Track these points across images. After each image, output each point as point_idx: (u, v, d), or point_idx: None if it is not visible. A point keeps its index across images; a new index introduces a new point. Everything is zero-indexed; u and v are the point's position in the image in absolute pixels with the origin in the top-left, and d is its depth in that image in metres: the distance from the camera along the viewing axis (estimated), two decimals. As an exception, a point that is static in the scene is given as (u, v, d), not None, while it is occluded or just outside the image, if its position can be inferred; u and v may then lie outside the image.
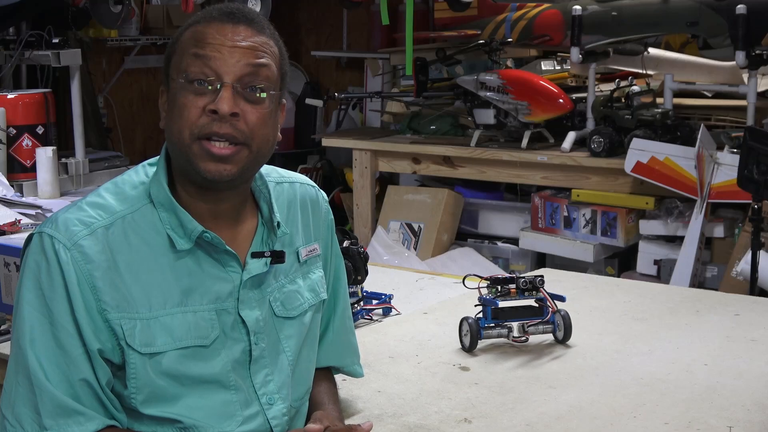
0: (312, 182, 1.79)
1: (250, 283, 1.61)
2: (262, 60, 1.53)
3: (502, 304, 2.24)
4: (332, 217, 1.82)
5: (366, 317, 2.52)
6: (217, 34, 1.53)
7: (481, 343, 2.25)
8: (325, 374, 1.84)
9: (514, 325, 2.26)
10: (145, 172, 1.61)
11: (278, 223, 1.65)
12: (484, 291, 2.27)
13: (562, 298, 2.28)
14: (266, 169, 1.70)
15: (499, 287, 2.25)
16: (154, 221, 1.55)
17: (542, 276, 2.28)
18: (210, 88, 1.51)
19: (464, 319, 2.25)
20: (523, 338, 2.26)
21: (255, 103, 1.53)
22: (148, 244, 1.54)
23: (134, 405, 1.53)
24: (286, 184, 1.73)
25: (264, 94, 1.54)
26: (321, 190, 1.80)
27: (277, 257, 1.63)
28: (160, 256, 1.54)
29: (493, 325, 2.24)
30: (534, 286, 2.26)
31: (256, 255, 1.61)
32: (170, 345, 1.53)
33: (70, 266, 1.49)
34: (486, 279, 2.28)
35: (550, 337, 2.29)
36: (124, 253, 1.52)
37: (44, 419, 1.47)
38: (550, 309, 2.25)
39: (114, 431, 1.52)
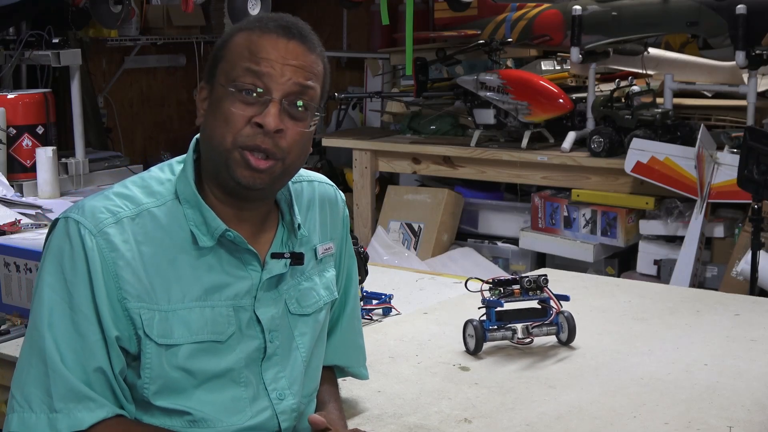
0: (330, 181, 1.81)
1: (268, 283, 1.62)
2: (309, 82, 1.56)
3: (505, 305, 2.23)
4: (348, 216, 1.83)
5: (366, 317, 2.51)
6: (272, 49, 1.54)
7: (485, 346, 2.24)
8: (328, 375, 1.84)
9: (518, 327, 2.25)
10: (171, 169, 1.63)
11: (299, 225, 1.66)
12: (487, 293, 2.25)
13: (566, 298, 2.27)
14: None
15: (501, 289, 2.24)
16: (179, 217, 1.57)
17: (546, 275, 2.27)
18: (256, 96, 1.53)
19: (469, 322, 2.23)
20: (528, 340, 2.25)
21: (298, 120, 1.56)
22: (172, 239, 1.56)
23: (146, 396, 1.54)
24: (304, 183, 1.74)
25: (307, 113, 1.56)
26: (339, 190, 1.82)
27: (297, 259, 1.65)
28: (182, 252, 1.56)
29: (497, 327, 2.23)
30: (538, 286, 2.25)
31: (276, 256, 1.63)
32: (187, 338, 1.54)
33: (95, 253, 1.50)
34: (488, 282, 2.26)
35: (553, 338, 2.28)
36: (147, 245, 1.54)
37: (55, 402, 1.48)
38: (554, 310, 2.25)
39: (122, 421, 1.53)
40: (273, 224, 1.66)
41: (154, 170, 1.63)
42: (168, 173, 1.62)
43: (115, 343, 1.51)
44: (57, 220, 1.57)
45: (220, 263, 1.58)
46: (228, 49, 1.57)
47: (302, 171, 1.75)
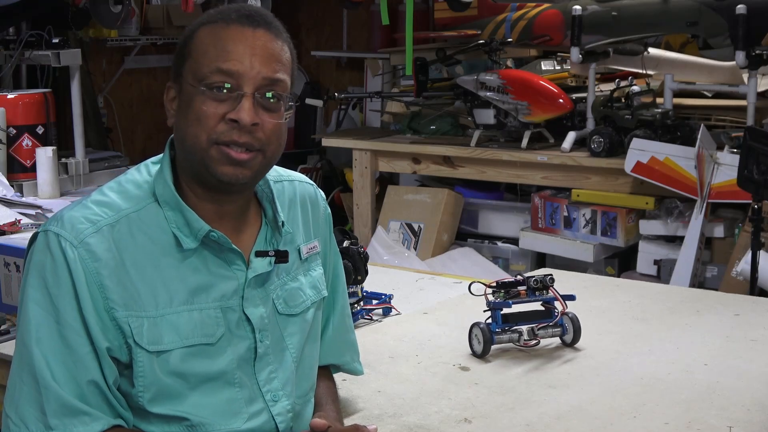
0: (310, 180, 1.81)
1: (254, 281, 1.61)
2: (278, 75, 1.55)
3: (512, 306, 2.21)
4: (330, 214, 1.83)
5: (366, 317, 2.52)
6: (238, 41, 1.53)
7: (492, 349, 2.21)
8: (325, 374, 1.84)
9: (524, 329, 2.23)
10: (148, 170, 1.61)
11: (282, 222, 1.66)
12: (491, 297, 2.23)
13: (572, 298, 2.26)
14: None
15: (504, 291, 2.22)
16: (159, 220, 1.56)
17: (552, 275, 2.26)
18: (227, 92, 1.52)
19: (475, 325, 2.22)
20: (534, 342, 2.24)
21: (272, 111, 1.55)
22: (154, 243, 1.55)
23: (141, 404, 1.53)
24: (285, 182, 1.74)
25: (280, 103, 1.56)
26: (319, 188, 1.82)
27: (281, 257, 1.64)
28: (165, 255, 1.55)
29: (503, 329, 2.21)
30: (545, 285, 2.23)
31: (260, 254, 1.62)
32: (177, 343, 1.53)
33: (77, 264, 1.49)
34: (491, 285, 2.24)
35: (557, 340, 2.27)
36: (130, 251, 1.52)
37: (50, 419, 1.47)
38: (559, 311, 2.24)
39: (120, 431, 1.52)
40: (254, 220, 1.66)
41: (131, 173, 1.62)
42: (145, 175, 1.60)
43: (106, 354, 1.50)
44: (36, 233, 1.55)
45: (205, 264, 1.57)
46: (193, 47, 1.55)
47: (282, 170, 1.76)
